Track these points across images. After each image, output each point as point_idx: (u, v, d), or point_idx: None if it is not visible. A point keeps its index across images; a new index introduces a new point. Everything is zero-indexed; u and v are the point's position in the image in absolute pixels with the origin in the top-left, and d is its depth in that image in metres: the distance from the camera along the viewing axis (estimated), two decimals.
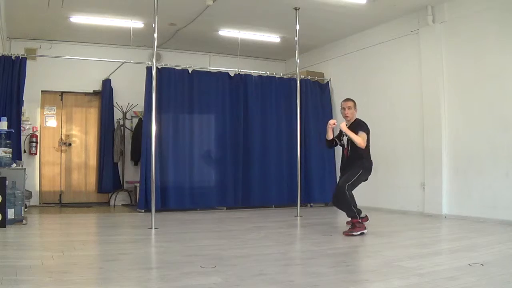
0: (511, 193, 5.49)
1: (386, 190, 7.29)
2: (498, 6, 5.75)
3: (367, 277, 2.95)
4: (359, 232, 4.69)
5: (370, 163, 5.04)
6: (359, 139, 4.83)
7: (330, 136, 5.16)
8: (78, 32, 7.69)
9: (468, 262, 3.31)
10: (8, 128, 5.67)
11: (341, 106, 5.16)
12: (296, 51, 7.05)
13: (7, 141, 5.62)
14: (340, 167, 5.27)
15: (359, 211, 4.82)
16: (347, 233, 4.69)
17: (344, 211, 4.92)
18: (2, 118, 5.65)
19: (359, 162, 4.92)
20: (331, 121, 5.14)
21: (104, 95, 8.31)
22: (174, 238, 4.67)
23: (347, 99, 5.15)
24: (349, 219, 4.95)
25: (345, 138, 5.06)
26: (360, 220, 4.79)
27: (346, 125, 5.02)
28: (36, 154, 7.89)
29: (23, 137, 7.30)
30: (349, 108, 5.05)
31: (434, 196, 6.43)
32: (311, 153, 8.06)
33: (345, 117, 5.08)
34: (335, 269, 3.30)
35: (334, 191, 4.98)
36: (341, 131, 5.10)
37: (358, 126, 4.99)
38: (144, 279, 2.94)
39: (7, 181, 4.97)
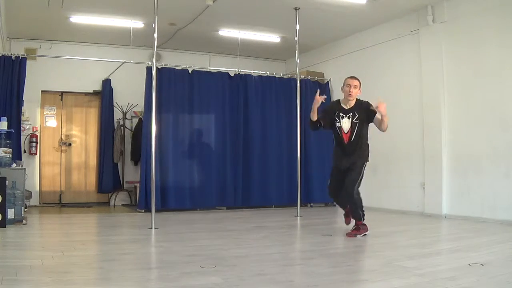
0: (511, 193, 5.49)
1: (386, 190, 7.29)
2: (498, 6, 5.75)
3: (367, 277, 2.95)
4: (362, 234, 4.61)
5: (369, 152, 4.69)
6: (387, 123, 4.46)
7: (315, 117, 4.62)
8: (78, 32, 7.69)
9: (468, 262, 3.31)
10: (8, 128, 5.66)
11: (345, 83, 4.63)
12: (296, 51, 7.05)
13: (7, 141, 5.61)
14: (338, 153, 4.71)
15: (364, 213, 4.68)
16: (351, 235, 4.57)
17: (350, 210, 4.73)
18: (2, 118, 5.65)
19: (362, 154, 4.60)
20: (318, 97, 4.54)
21: (104, 95, 8.32)
22: (174, 238, 4.67)
23: (354, 77, 4.65)
24: (343, 218, 4.91)
25: (345, 121, 4.58)
26: (363, 222, 4.64)
27: (344, 105, 4.60)
28: (36, 154, 7.89)
29: (23, 137, 7.30)
30: (355, 87, 4.56)
31: (434, 196, 6.43)
32: (311, 153, 8.05)
33: (349, 95, 4.57)
34: (335, 269, 3.29)
35: (344, 194, 4.62)
36: (334, 111, 4.64)
37: (369, 107, 4.54)
38: (144, 279, 2.94)
39: (7, 181, 4.97)
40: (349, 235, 4.60)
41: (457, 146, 6.24)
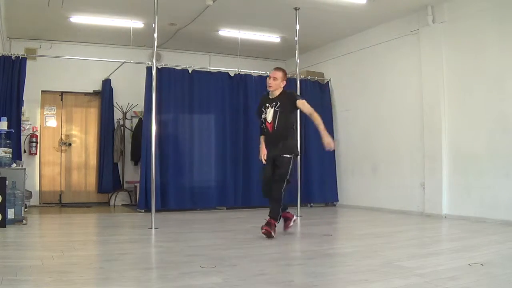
0: (511, 193, 5.49)
1: (386, 190, 7.29)
2: (498, 6, 5.75)
3: (367, 277, 2.95)
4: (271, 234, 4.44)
5: (296, 143, 4.73)
6: (311, 110, 4.62)
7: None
8: (78, 32, 7.69)
9: (468, 262, 3.30)
10: (8, 128, 5.67)
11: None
12: (296, 51, 7.06)
13: (7, 141, 5.62)
14: (266, 144, 4.73)
15: (284, 208, 4.70)
16: (267, 233, 4.41)
17: (270, 208, 4.57)
18: (2, 118, 5.65)
19: (287, 146, 4.60)
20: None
21: (104, 95, 8.32)
22: (174, 238, 4.67)
23: (277, 68, 4.79)
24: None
25: (269, 111, 4.65)
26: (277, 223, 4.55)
27: (270, 97, 4.70)
28: (36, 154, 7.90)
29: (23, 137, 7.30)
30: (275, 79, 4.65)
31: (434, 196, 6.43)
32: (311, 153, 8.04)
33: (269, 86, 4.70)
34: (335, 269, 3.30)
35: (269, 187, 4.59)
36: (262, 104, 4.72)
37: (292, 96, 4.71)
38: (144, 279, 2.94)
39: (7, 181, 4.97)
40: (265, 232, 4.42)
41: (457, 146, 6.24)
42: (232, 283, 2.73)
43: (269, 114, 4.66)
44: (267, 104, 4.72)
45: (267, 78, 4.76)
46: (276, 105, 4.65)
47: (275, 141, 4.65)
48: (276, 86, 4.68)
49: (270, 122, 4.65)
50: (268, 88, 4.74)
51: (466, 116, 6.15)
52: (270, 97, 4.76)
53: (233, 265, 3.27)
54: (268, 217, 4.54)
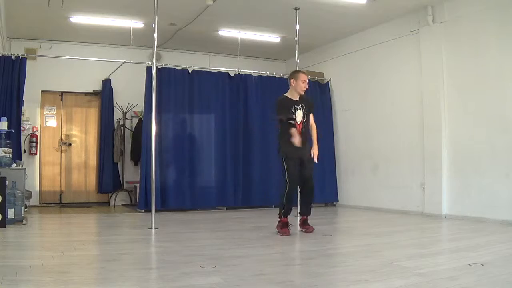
0: (511, 193, 5.49)
1: (386, 190, 7.29)
2: (498, 6, 5.75)
3: (367, 277, 2.95)
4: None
5: None
6: (314, 124, 5.01)
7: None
8: (78, 32, 7.69)
9: (468, 262, 3.31)
10: (8, 128, 5.67)
11: (300, 78, 4.82)
12: (296, 51, 7.05)
13: (7, 141, 5.62)
14: (294, 145, 4.76)
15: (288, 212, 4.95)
16: (310, 229, 4.90)
17: (308, 205, 5.00)
18: (2, 118, 5.66)
19: (310, 146, 4.91)
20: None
21: (104, 95, 8.32)
22: (174, 238, 4.67)
23: (305, 72, 5.04)
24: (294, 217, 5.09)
25: (298, 112, 4.77)
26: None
27: (292, 98, 4.85)
28: (36, 154, 7.90)
29: (23, 137, 7.29)
30: (306, 81, 4.88)
31: (434, 196, 6.43)
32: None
33: (303, 90, 4.85)
34: (334, 269, 3.30)
35: (308, 186, 4.87)
36: (290, 106, 4.79)
37: (312, 104, 5.00)
38: (144, 279, 2.94)
39: (7, 181, 4.97)
40: (309, 229, 4.92)
41: (457, 146, 6.24)
42: (232, 283, 2.73)
43: (299, 115, 4.80)
44: (295, 106, 4.81)
45: (301, 82, 4.82)
46: (303, 107, 4.82)
47: (304, 142, 4.81)
48: None
49: (300, 124, 4.79)
50: (301, 92, 4.85)
51: (466, 116, 6.14)
52: (295, 98, 4.84)
53: (233, 265, 3.27)
54: (304, 216, 5.01)
